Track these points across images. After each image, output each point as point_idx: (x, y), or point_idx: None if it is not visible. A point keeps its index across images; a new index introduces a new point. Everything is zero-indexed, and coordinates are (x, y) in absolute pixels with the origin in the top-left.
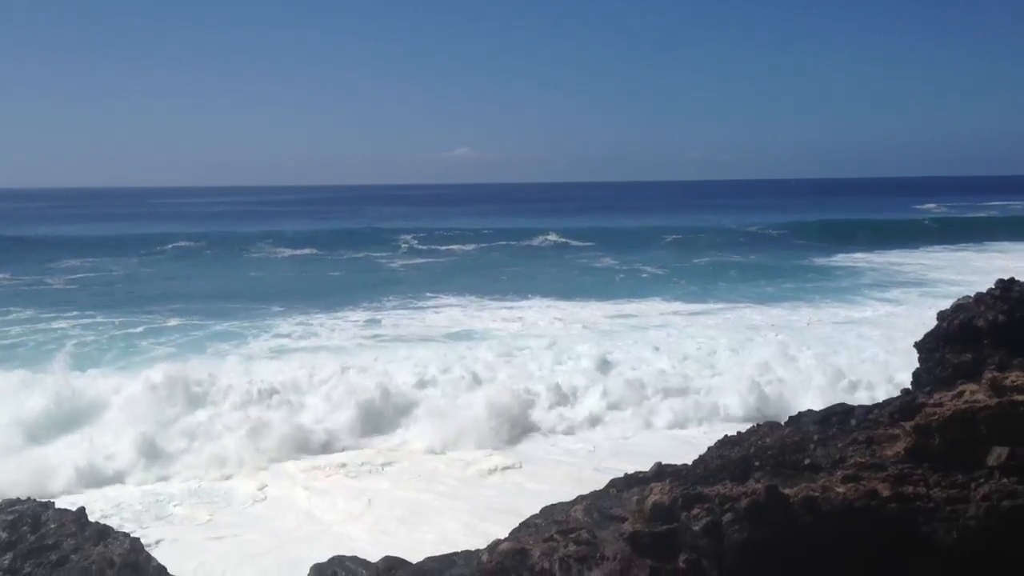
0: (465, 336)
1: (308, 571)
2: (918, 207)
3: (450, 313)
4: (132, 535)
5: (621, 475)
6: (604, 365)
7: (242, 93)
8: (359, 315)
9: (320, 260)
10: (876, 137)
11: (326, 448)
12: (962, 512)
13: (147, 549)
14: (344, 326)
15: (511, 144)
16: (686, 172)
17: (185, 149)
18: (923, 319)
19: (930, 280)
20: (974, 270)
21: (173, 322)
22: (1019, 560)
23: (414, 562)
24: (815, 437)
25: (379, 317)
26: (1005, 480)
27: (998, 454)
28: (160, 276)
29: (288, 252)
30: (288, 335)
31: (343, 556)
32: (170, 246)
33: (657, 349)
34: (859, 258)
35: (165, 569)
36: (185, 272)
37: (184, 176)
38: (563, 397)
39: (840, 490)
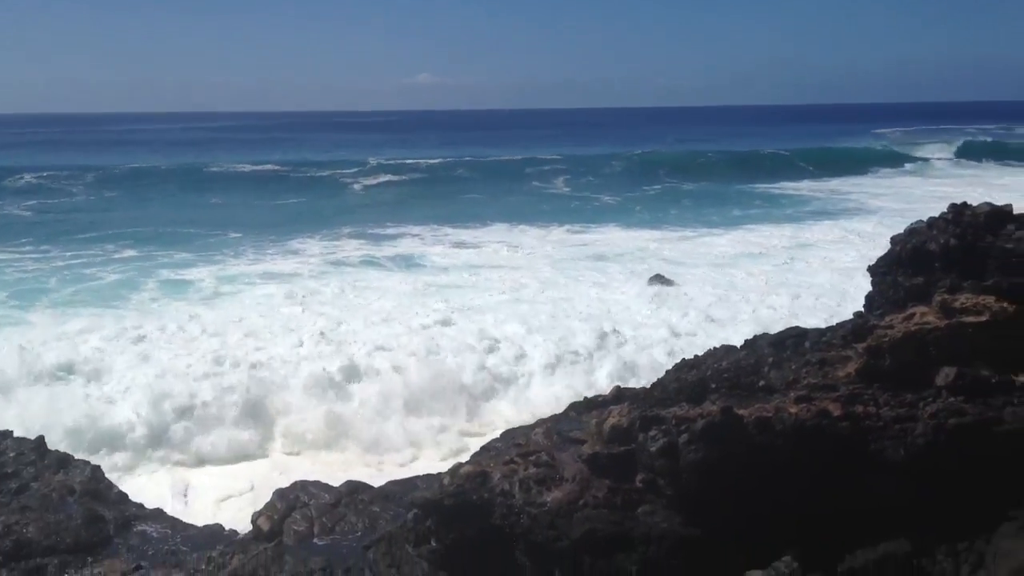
0: (420, 263)
1: (271, 495)
2: (877, 132)
3: (409, 243)
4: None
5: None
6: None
7: (199, 17)
8: (316, 245)
9: (280, 188)
10: (847, 62)
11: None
12: (910, 430)
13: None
14: (302, 255)
15: (473, 70)
16: (652, 99)
17: (141, 74)
18: (870, 244)
19: (871, 207)
20: (918, 197)
21: (128, 253)
22: (964, 476)
23: (376, 486)
24: (769, 359)
25: (337, 246)
26: (952, 399)
27: (946, 374)
28: (116, 205)
29: (248, 180)
30: (238, 265)
31: (306, 481)
32: (125, 171)
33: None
34: (804, 186)
35: (126, 496)
36: (142, 201)
37: (141, 102)
38: None
39: (793, 410)
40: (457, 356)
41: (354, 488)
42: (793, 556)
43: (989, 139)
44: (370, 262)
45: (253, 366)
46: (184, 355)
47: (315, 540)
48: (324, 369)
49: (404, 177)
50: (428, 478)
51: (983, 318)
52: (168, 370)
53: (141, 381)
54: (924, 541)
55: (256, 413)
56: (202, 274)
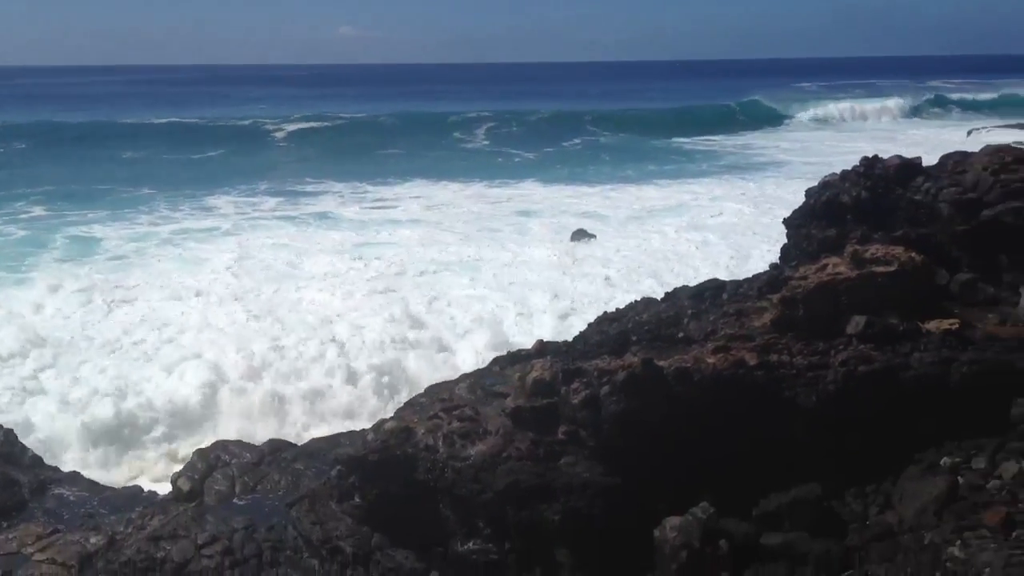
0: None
1: (191, 455)
2: (795, 85)
3: (328, 201)
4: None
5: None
6: None
7: None
8: (232, 202)
9: (196, 142)
10: (769, 17)
11: None
12: (822, 378)
13: None
14: (216, 213)
15: (396, 24)
16: (579, 54)
17: (46, 25)
18: (779, 198)
19: (781, 161)
20: (829, 151)
21: (36, 211)
22: (873, 420)
23: (300, 444)
24: (689, 311)
25: (253, 203)
26: (862, 347)
27: (856, 322)
28: (26, 162)
29: (163, 134)
30: (146, 224)
31: (227, 440)
32: (33, 125)
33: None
34: (715, 141)
35: (41, 459)
36: (53, 157)
37: (47, 55)
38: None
39: (711, 360)
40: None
41: (277, 446)
42: (710, 502)
43: (908, 96)
44: (287, 219)
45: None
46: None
47: (236, 500)
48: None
49: (324, 133)
50: (352, 435)
51: (892, 268)
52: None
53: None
54: (834, 484)
55: None
56: (111, 232)
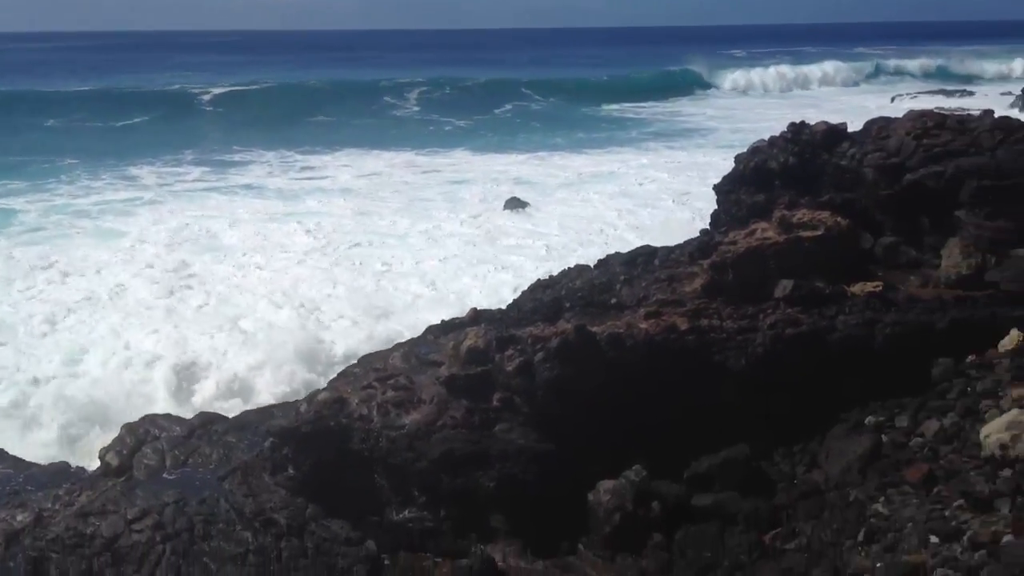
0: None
1: (120, 430)
2: (726, 52)
3: (255, 171)
4: None
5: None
6: None
7: None
8: (155, 172)
9: (120, 110)
10: None
11: None
12: (751, 341)
13: None
14: (139, 183)
15: None
16: (512, 20)
17: None
18: (707, 165)
19: (709, 128)
20: (756, 117)
21: None
22: (800, 382)
23: (231, 416)
24: (621, 278)
25: (178, 173)
26: (790, 310)
27: (784, 286)
28: None
29: (85, 101)
30: (66, 195)
31: (156, 414)
32: None
33: None
34: (645, 108)
35: None
36: None
37: None
38: None
39: (643, 326)
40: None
41: (207, 419)
42: (642, 465)
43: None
44: (213, 190)
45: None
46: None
47: (166, 474)
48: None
49: (253, 99)
50: (284, 406)
51: (818, 233)
52: None
53: None
54: (763, 445)
55: None
56: (28, 204)
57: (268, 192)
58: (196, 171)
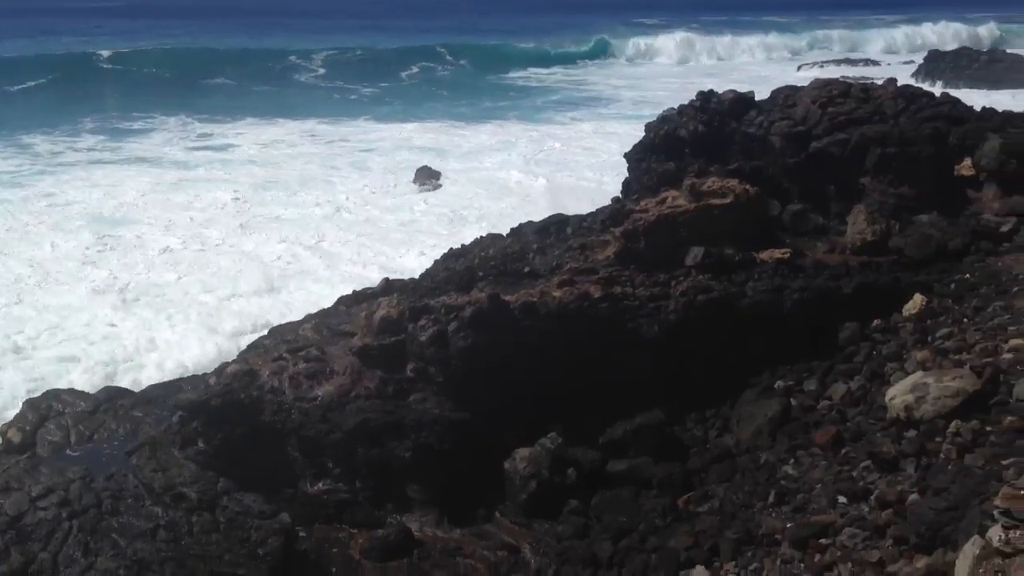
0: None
1: (21, 406)
2: (636, 21)
3: (155, 139)
4: None
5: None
6: None
7: None
8: (48, 141)
9: (19, 72)
10: None
11: None
12: (663, 308)
13: None
14: (30, 152)
15: None
16: None
17: None
18: (613, 134)
19: (614, 97)
20: (661, 87)
21: None
22: (711, 348)
23: (137, 391)
24: (534, 246)
25: (73, 142)
26: (700, 277)
27: (695, 254)
28: None
29: None
30: None
31: (59, 389)
32: None
33: None
34: (551, 74)
35: None
36: None
37: None
38: None
39: (556, 294)
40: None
41: (113, 394)
42: (558, 432)
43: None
44: (106, 162)
45: None
46: None
47: (71, 450)
48: None
49: (154, 63)
50: (192, 379)
51: (728, 200)
52: None
53: None
54: (676, 410)
55: None
56: None
57: (165, 163)
58: (92, 139)
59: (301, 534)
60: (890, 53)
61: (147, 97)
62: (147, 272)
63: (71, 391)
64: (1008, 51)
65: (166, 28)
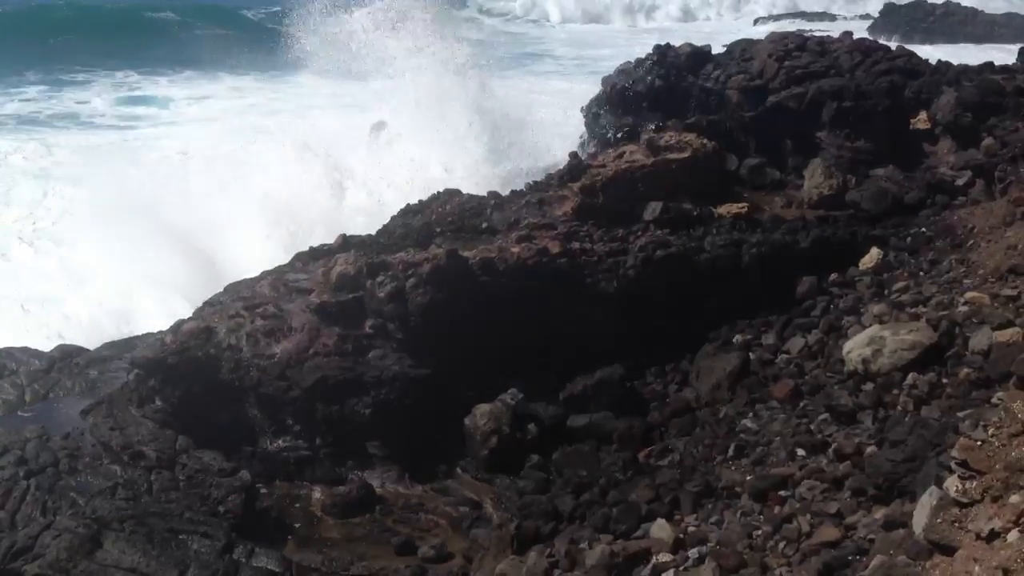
0: None
1: None
2: None
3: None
4: None
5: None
6: None
7: None
8: None
9: None
10: None
11: None
12: (622, 263)
13: None
14: None
15: None
16: None
17: None
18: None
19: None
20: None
21: None
22: (670, 302)
23: (92, 349)
24: (492, 202)
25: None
26: (659, 232)
27: (653, 208)
28: None
29: None
30: None
31: (11, 347)
32: None
33: None
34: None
35: None
36: None
37: None
38: None
39: (515, 250)
40: None
41: (67, 352)
42: (518, 388)
43: None
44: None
45: None
46: None
47: (25, 409)
48: None
49: (104, 16)
50: (147, 337)
51: (685, 155)
52: None
53: None
54: (636, 365)
55: None
56: None
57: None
58: (33, 89)
59: (262, 491)
60: (849, 2)
61: (90, 54)
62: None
63: (24, 349)
64: (963, 4)
65: None
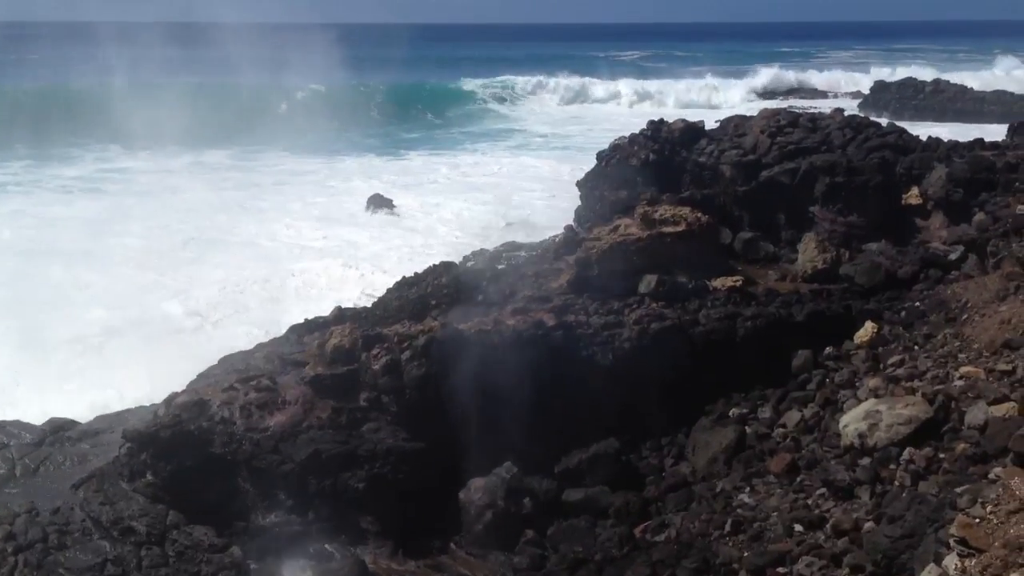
0: None
1: None
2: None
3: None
4: None
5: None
6: None
7: None
8: None
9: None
10: None
11: None
12: (617, 336)
13: None
14: None
15: None
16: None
17: None
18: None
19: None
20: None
21: None
22: (665, 375)
23: (84, 422)
24: (487, 274)
25: None
26: (654, 305)
27: (648, 281)
28: None
29: None
30: None
31: (3, 420)
32: None
33: None
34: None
35: None
36: None
37: None
38: None
39: (510, 322)
40: None
41: (59, 426)
42: (513, 461)
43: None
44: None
45: None
46: None
47: (15, 484)
48: None
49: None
50: (140, 410)
51: (680, 228)
52: None
53: None
54: (631, 438)
55: None
56: None
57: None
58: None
59: (253, 567)
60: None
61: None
62: None
63: (16, 423)
64: (952, 81)
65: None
